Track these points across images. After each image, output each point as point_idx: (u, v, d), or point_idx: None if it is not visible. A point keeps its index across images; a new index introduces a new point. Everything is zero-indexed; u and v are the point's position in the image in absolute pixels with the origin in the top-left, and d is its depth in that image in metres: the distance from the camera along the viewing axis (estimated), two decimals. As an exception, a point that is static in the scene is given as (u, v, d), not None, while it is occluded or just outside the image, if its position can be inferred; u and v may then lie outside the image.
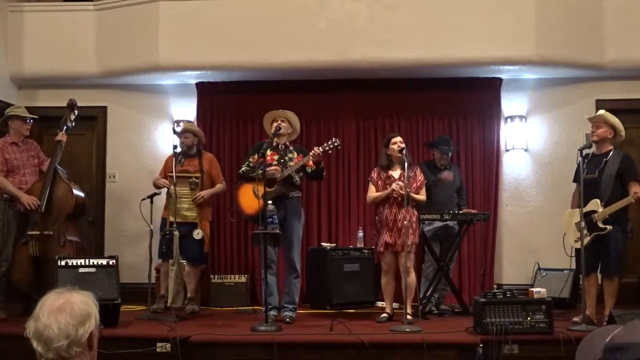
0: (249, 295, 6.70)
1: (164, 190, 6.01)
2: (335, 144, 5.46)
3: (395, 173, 5.61)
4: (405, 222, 5.33)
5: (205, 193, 5.98)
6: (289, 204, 5.56)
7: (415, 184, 5.59)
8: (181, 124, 6.37)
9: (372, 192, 5.67)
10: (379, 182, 5.64)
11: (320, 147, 5.44)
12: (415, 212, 5.59)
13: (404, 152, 5.50)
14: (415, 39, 6.48)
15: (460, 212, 6.11)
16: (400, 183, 5.44)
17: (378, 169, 5.73)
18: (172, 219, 5.75)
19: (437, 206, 6.00)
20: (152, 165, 6.86)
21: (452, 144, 6.42)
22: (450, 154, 6.35)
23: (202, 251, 6.00)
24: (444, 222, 5.99)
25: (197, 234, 5.82)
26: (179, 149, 5.91)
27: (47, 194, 5.73)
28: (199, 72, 6.94)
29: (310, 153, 5.44)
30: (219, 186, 6.19)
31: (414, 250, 5.54)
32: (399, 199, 5.43)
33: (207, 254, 6.24)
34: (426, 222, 5.94)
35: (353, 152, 7.08)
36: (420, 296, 5.87)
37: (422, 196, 5.64)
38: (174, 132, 6.16)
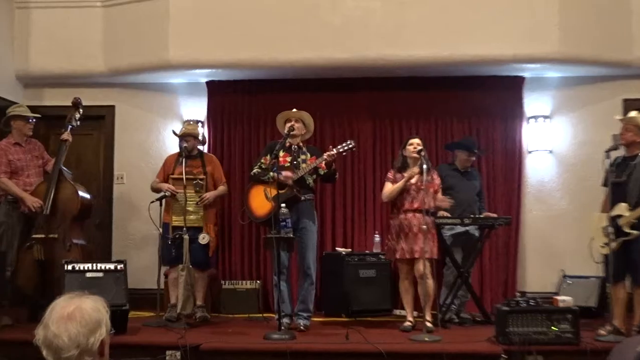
0: (261, 302, 6.69)
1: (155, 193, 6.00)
2: (350, 145, 5.45)
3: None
4: (423, 227, 5.30)
5: (211, 195, 5.98)
6: (302, 206, 5.54)
7: (433, 187, 5.57)
8: (183, 126, 6.32)
9: (387, 189, 5.65)
10: (395, 184, 5.63)
11: (334, 148, 5.42)
12: (432, 218, 5.58)
13: (422, 154, 5.48)
14: (433, 35, 6.45)
15: (482, 216, 6.06)
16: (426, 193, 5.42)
17: (394, 171, 5.72)
18: (176, 222, 5.77)
19: (458, 210, 5.95)
20: (161, 166, 6.85)
21: (476, 146, 6.38)
22: (474, 156, 6.32)
23: (208, 256, 6.00)
24: (465, 227, 5.95)
25: (203, 238, 5.80)
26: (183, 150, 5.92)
27: (51, 196, 5.74)
28: (209, 71, 6.94)
29: (325, 154, 5.42)
30: (222, 188, 6.19)
31: (432, 257, 5.51)
32: (416, 203, 5.42)
33: (212, 258, 6.22)
34: (446, 227, 5.91)
35: (369, 153, 7.06)
36: (440, 304, 5.82)
37: (444, 202, 5.63)
38: (175, 134, 6.11)
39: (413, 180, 5.52)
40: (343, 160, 6.80)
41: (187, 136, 6.05)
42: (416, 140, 5.66)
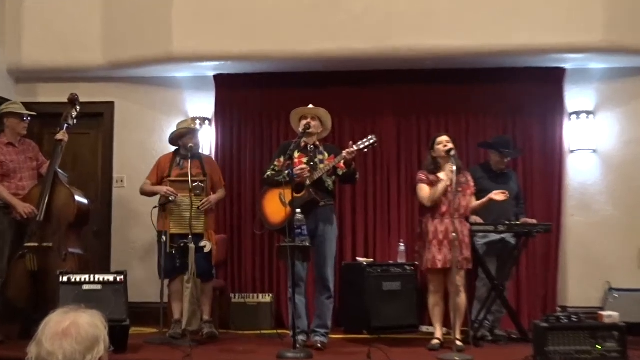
0: (274, 318, 6.70)
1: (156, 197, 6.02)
2: (372, 141, 5.43)
3: (444, 177, 5.55)
4: (453, 234, 5.29)
5: (213, 199, 6.02)
6: (321, 212, 5.52)
7: (469, 190, 5.56)
8: (183, 125, 6.30)
9: (427, 191, 5.60)
10: (429, 186, 5.61)
11: (354, 145, 5.40)
12: (467, 224, 5.57)
13: (451, 153, 5.46)
14: (463, 23, 6.44)
15: (518, 222, 6.03)
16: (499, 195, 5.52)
17: (426, 172, 5.70)
18: (175, 230, 5.79)
19: (492, 216, 5.92)
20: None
21: (512, 145, 6.35)
22: (509, 157, 6.29)
23: (211, 265, 6.02)
24: (500, 235, 5.92)
25: (206, 246, 5.82)
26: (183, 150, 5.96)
27: (46, 201, 5.76)
28: (217, 63, 6.96)
29: (344, 152, 5.40)
30: (222, 192, 6.22)
31: (466, 267, 5.49)
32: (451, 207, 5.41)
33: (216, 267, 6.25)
34: (479, 234, 5.88)
35: (393, 153, 7.06)
36: (472, 319, 5.79)
37: (499, 196, 5.64)
38: (177, 134, 6.11)
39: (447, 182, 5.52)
40: (364, 160, 6.82)
41: (192, 133, 6.08)
42: (445, 138, 5.65)
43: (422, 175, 5.70)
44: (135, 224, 7.12)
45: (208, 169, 6.08)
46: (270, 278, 7.07)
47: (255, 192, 6.92)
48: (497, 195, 5.61)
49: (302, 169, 5.40)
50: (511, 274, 6.18)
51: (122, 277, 5.31)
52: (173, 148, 6.16)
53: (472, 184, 5.67)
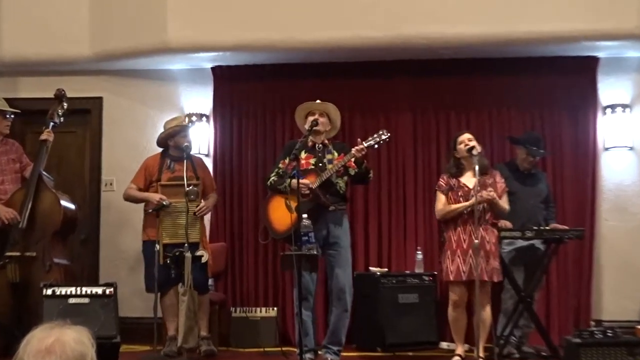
0: (278, 334, 6.70)
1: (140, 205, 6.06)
2: (383, 137, 5.44)
3: (469, 180, 5.57)
4: (476, 241, 5.29)
5: (209, 204, 6.08)
6: (332, 217, 5.53)
7: (498, 191, 5.57)
8: (174, 123, 6.31)
9: (442, 204, 5.64)
10: (450, 192, 5.62)
11: (364, 142, 5.41)
12: (495, 232, 5.57)
13: (474, 152, 5.48)
14: (485, 8, 6.45)
15: (548, 227, 6.01)
16: (492, 193, 5.43)
17: (447, 176, 5.71)
18: (167, 240, 5.81)
19: (520, 220, 5.93)
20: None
21: (542, 144, 6.33)
22: (537, 157, 6.28)
23: (207, 276, 6.06)
24: (528, 241, 5.90)
25: (203, 255, 5.83)
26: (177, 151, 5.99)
27: (29, 207, 5.78)
28: (215, 54, 6.97)
29: (353, 149, 5.40)
30: (214, 196, 6.28)
31: (496, 279, 5.51)
32: (479, 210, 5.41)
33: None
34: (505, 240, 5.86)
35: (409, 151, 7.06)
36: (497, 335, 5.78)
37: (505, 204, 5.61)
38: (167, 134, 6.13)
39: (470, 184, 5.51)
40: (377, 159, 6.83)
41: (184, 130, 6.08)
42: (466, 136, 5.65)
43: (441, 182, 5.73)
44: (126, 231, 7.13)
45: (200, 172, 6.10)
46: (274, 290, 7.06)
47: (257, 195, 6.94)
48: (486, 195, 5.48)
49: (303, 184, 5.32)
50: (540, 284, 6.16)
51: (111, 289, 5.31)
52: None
53: (500, 184, 5.64)
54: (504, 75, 6.99)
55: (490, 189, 5.48)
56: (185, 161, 5.86)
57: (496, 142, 6.93)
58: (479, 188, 5.33)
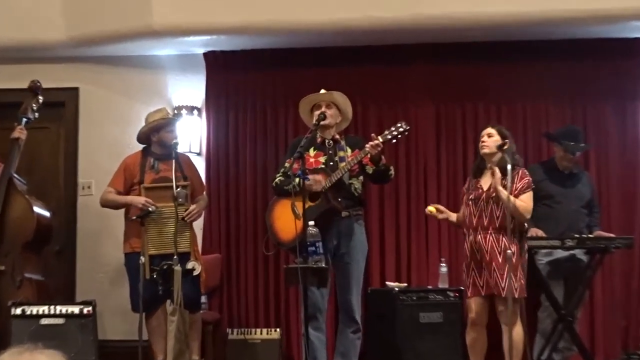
0: (282, 358, 6.70)
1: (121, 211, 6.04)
2: (401, 129, 5.42)
3: (486, 182, 5.56)
4: (508, 251, 5.22)
5: (200, 208, 6.03)
6: (345, 225, 5.53)
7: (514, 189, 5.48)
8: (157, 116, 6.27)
9: (461, 211, 5.71)
10: (464, 196, 5.68)
11: (380, 136, 5.38)
12: (515, 240, 5.48)
13: (485, 150, 5.52)
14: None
15: (592, 235, 5.99)
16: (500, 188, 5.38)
17: (470, 178, 5.73)
18: (154, 251, 5.73)
19: (559, 228, 5.91)
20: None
21: (582, 138, 6.32)
22: (577, 153, 6.25)
23: (200, 292, 6.05)
24: (569, 251, 5.87)
25: (195, 268, 5.75)
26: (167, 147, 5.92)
27: (-3, 214, 5.80)
28: (208, 38, 6.99)
29: (367, 145, 5.38)
30: (205, 199, 6.28)
31: (520, 295, 5.42)
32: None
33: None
34: (542, 251, 5.83)
35: (430, 147, 7.07)
36: (534, 359, 5.75)
37: (520, 202, 5.48)
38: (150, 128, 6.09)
39: (486, 186, 5.52)
40: (394, 155, 6.85)
41: (171, 124, 6.05)
42: (485, 131, 5.65)
43: (463, 188, 5.75)
44: (106, 240, 7.12)
45: (188, 171, 6.06)
46: (277, 308, 7.06)
47: (256, 200, 6.97)
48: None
49: (315, 180, 5.34)
50: (583, 300, 6.14)
51: (89, 308, 5.35)
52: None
53: (521, 184, 5.53)
54: (539, 60, 7.00)
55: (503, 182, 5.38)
56: (172, 160, 5.76)
57: (531, 137, 6.96)
58: (501, 189, 5.28)
